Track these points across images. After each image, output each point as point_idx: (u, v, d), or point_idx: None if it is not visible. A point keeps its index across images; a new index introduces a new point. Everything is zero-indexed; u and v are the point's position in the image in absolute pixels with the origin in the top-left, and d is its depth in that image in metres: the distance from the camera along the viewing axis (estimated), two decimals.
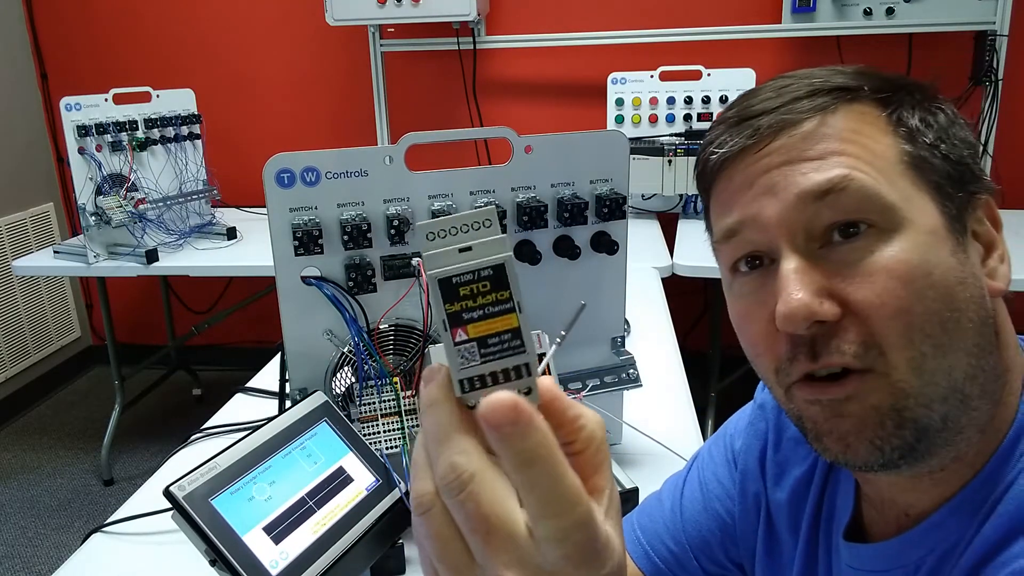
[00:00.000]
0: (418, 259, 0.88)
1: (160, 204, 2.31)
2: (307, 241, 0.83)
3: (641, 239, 2.24)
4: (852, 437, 0.48)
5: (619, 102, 2.51)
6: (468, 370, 0.34)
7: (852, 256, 0.48)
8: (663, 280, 1.88)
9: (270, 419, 0.79)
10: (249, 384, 1.31)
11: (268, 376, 1.34)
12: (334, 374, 0.89)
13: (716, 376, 2.45)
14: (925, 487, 0.52)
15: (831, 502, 0.63)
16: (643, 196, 2.47)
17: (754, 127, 0.51)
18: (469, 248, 0.33)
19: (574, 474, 0.31)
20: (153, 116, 2.32)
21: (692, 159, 2.31)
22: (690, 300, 2.83)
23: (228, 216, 2.56)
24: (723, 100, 2.44)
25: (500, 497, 0.31)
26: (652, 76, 2.48)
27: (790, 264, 0.49)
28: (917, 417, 0.47)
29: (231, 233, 2.43)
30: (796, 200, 0.49)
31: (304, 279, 0.86)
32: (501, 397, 0.30)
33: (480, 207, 0.33)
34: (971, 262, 0.49)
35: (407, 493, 0.82)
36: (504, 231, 0.83)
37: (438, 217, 0.33)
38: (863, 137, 0.49)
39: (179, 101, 2.41)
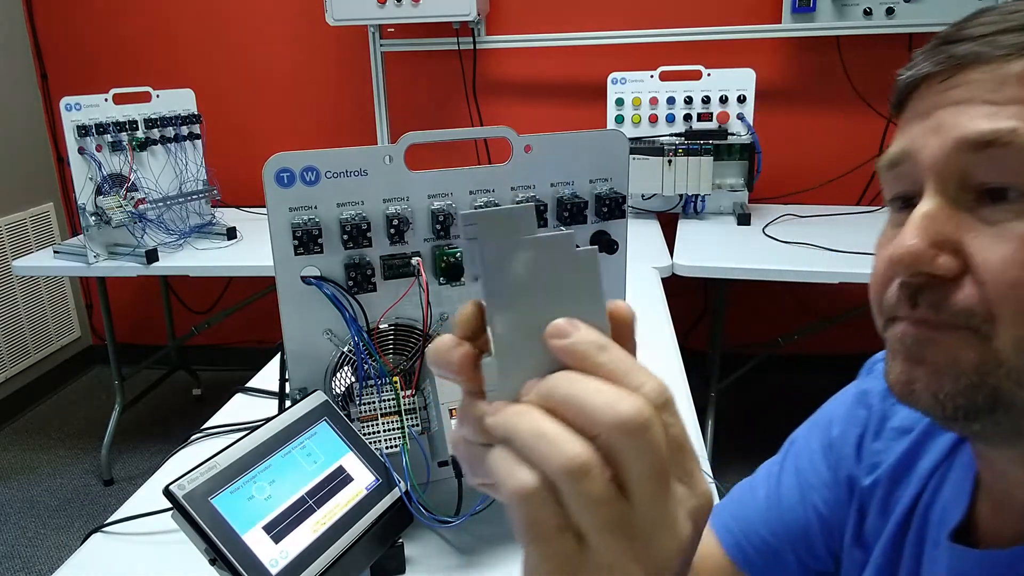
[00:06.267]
0: (418, 258, 0.88)
1: (160, 204, 2.31)
2: (307, 241, 0.83)
3: (641, 239, 2.24)
4: (919, 384, 0.45)
5: (619, 102, 2.51)
6: None
7: (996, 217, 0.43)
8: (663, 280, 1.88)
9: (270, 419, 0.79)
10: (249, 384, 1.31)
11: (268, 376, 1.34)
12: (334, 374, 0.89)
13: (716, 376, 2.45)
14: None
15: (933, 493, 0.58)
16: (643, 196, 2.47)
17: (948, 54, 0.46)
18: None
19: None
20: (153, 116, 2.32)
21: (692, 159, 2.32)
22: (690, 300, 2.83)
23: (228, 216, 2.56)
24: (723, 100, 2.44)
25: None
26: (652, 76, 2.48)
27: (924, 207, 0.45)
28: (999, 386, 0.43)
29: (231, 233, 2.43)
30: (955, 144, 0.44)
31: (304, 279, 0.86)
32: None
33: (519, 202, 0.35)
34: None
35: (407, 493, 0.82)
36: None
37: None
38: None
39: (179, 101, 2.41)
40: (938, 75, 0.47)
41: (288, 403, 0.86)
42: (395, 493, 0.82)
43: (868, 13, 2.39)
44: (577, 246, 0.34)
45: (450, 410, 0.85)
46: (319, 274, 0.86)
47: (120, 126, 2.21)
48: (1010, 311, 0.42)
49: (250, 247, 2.37)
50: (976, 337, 0.43)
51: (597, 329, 0.34)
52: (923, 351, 0.45)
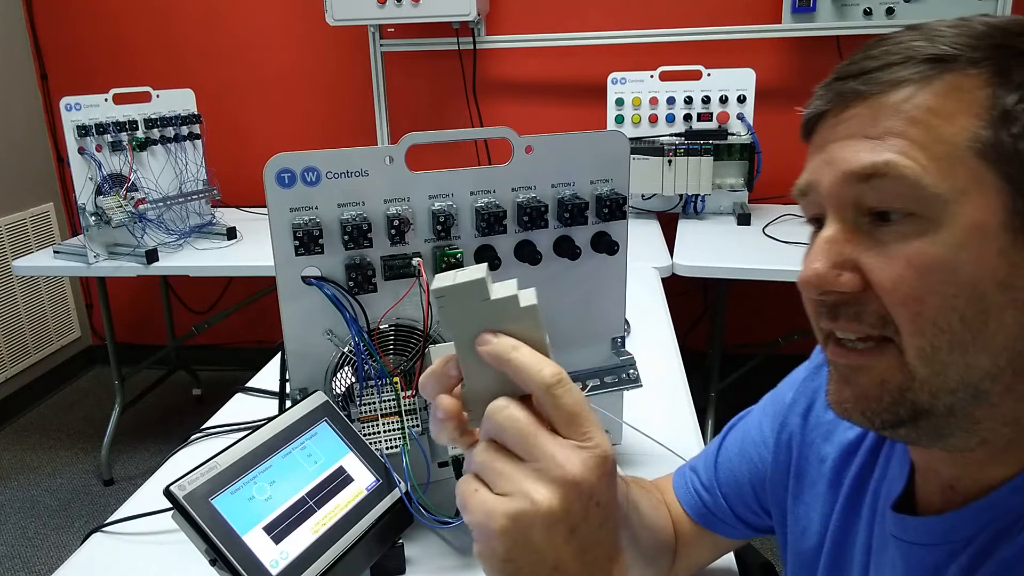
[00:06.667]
0: (419, 259, 0.88)
1: (160, 204, 2.31)
2: (307, 241, 0.83)
3: (641, 239, 2.25)
4: (849, 404, 0.52)
5: (619, 102, 2.51)
6: None
7: (887, 237, 0.48)
8: (663, 280, 1.88)
9: (270, 419, 0.79)
10: (249, 384, 1.31)
11: (268, 376, 1.34)
12: (334, 374, 0.89)
13: (716, 376, 2.45)
14: (976, 464, 0.52)
15: (883, 469, 0.63)
16: (643, 196, 2.47)
17: (837, 91, 0.51)
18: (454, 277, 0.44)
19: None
20: (153, 116, 2.32)
21: (692, 159, 2.32)
22: (690, 300, 2.83)
23: (228, 216, 2.56)
24: (723, 100, 2.44)
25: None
26: (652, 76, 2.48)
27: (825, 233, 0.50)
28: (917, 400, 0.48)
29: (231, 233, 2.43)
30: (844, 176, 0.49)
31: (304, 279, 0.86)
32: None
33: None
34: None
35: (407, 493, 0.82)
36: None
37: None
38: (936, 118, 0.46)
39: (179, 101, 2.41)
40: (830, 112, 0.52)
41: (288, 403, 0.86)
42: (395, 494, 0.82)
43: (868, 13, 2.39)
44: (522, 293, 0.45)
45: None
46: (320, 274, 0.86)
47: (120, 126, 2.21)
48: (907, 323, 0.47)
49: (250, 247, 2.37)
50: (894, 354, 0.48)
51: (540, 350, 0.44)
52: (854, 376, 0.51)
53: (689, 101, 2.46)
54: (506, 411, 0.43)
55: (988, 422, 0.49)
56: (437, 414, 0.46)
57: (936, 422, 0.49)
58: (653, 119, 2.50)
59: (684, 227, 2.34)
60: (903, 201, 0.47)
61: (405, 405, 0.88)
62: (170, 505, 0.67)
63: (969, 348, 0.46)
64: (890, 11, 2.38)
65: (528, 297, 0.44)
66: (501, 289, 0.45)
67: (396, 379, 0.88)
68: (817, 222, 0.53)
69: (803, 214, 0.56)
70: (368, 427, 0.87)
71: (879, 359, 0.49)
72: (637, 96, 2.49)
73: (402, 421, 0.87)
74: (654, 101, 2.49)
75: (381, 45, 2.76)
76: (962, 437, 0.50)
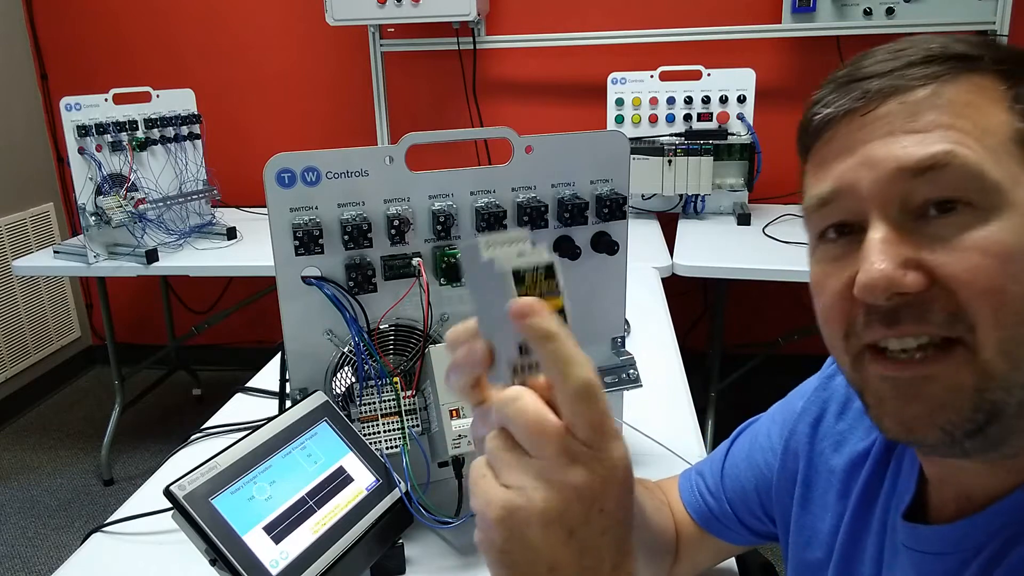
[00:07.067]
0: (419, 259, 0.88)
1: (160, 204, 2.31)
2: (307, 241, 0.83)
3: (641, 239, 2.24)
4: (921, 421, 0.48)
5: (619, 102, 2.51)
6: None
7: (946, 231, 0.46)
8: (663, 280, 1.88)
9: (270, 419, 0.79)
10: (249, 384, 1.31)
11: (268, 376, 1.34)
12: (334, 374, 0.89)
13: (716, 376, 2.45)
14: (996, 472, 0.51)
15: (893, 479, 0.62)
16: (643, 196, 2.47)
17: (863, 89, 0.49)
18: (523, 255, 0.44)
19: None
20: (153, 116, 2.32)
21: (692, 159, 2.31)
22: (690, 300, 2.83)
23: (228, 216, 2.56)
24: (723, 100, 2.44)
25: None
26: (652, 76, 2.48)
27: (877, 233, 0.47)
28: (996, 400, 0.46)
29: (231, 233, 2.43)
30: (894, 174, 0.47)
31: (304, 279, 0.86)
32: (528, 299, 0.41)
33: (517, 231, 0.46)
34: None
35: (407, 493, 0.82)
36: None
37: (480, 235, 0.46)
38: (975, 111, 0.47)
39: (179, 101, 2.41)
40: (858, 111, 0.50)
41: (288, 403, 0.86)
42: (395, 494, 0.82)
43: (868, 13, 2.39)
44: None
45: (450, 411, 0.85)
46: (320, 274, 0.86)
47: (120, 126, 2.21)
48: (986, 314, 0.45)
49: (250, 247, 2.37)
50: (966, 354, 0.46)
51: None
52: (919, 388, 0.47)
53: (689, 101, 2.46)
54: (517, 403, 0.41)
55: None
56: (457, 358, 0.44)
57: (1004, 425, 0.46)
58: (653, 119, 2.50)
59: (684, 227, 2.34)
60: (962, 191, 0.46)
61: (405, 405, 0.88)
62: (170, 505, 0.67)
63: None
64: (890, 11, 2.37)
65: (505, 262, 0.43)
66: (505, 252, 0.44)
67: (396, 379, 0.88)
68: (835, 230, 0.51)
69: (814, 225, 0.53)
70: (368, 427, 0.87)
71: (946, 364, 0.46)
72: (637, 96, 2.49)
73: (402, 421, 0.87)
74: (654, 101, 2.49)
75: (381, 45, 2.76)
76: (1017, 441, 0.48)
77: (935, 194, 0.46)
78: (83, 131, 2.13)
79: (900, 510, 0.59)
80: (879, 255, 0.46)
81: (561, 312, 0.43)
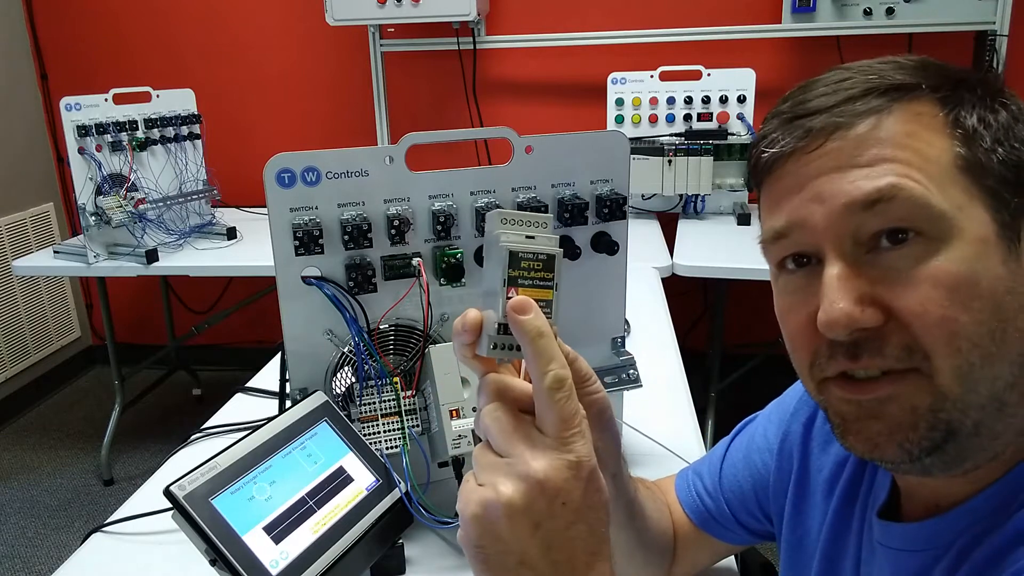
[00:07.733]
0: (419, 259, 0.88)
1: (160, 204, 2.31)
2: (307, 241, 0.83)
3: (641, 239, 2.24)
4: (882, 438, 0.49)
5: (619, 102, 2.51)
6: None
7: (898, 263, 0.47)
8: (663, 280, 1.88)
9: (270, 419, 0.79)
10: (249, 384, 1.31)
11: (268, 376, 1.34)
12: (334, 374, 0.89)
13: (716, 376, 2.45)
14: (959, 483, 0.52)
15: (871, 478, 0.64)
16: (643, 196, 2.47)
17: (805, 128, 0.51)
18: (533, 237, 0.46)
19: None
20: (153, 116, 2.32)
21: (692, 159, 2.31)
22: (690, 300, 2.83)
23: (228, 216, 2.56)
24: (723, 100, 2.44)
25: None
26: (652, 76, 2.48)
27: (833, 270, 0.49)
28: (951, 419, 0.47)
29: (231, 233, 2.43)
30: (844, 208, 0.48)
31: (304, 279, 0.86)
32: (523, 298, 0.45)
33: (541, 212, 0.52)
34: (1022, 270, 0.48)
35: (407, 493, 0.82)
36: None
37: (503, 210, 0.48)
38: (917, 141, 0.48)
39: (179, 101, 2.41)
40: (803, 149, 0.51)
41: (288, 403, 0.86)
42: (395, 494, 0.82)
43: (868, 13, 2.39)
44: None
45: (450, 411, 0.85)
46: (320, 274, 0.86)
47: (120, 126, 2.21)
48: (940, 344, 0.46)
49: (250, 247, 2.37)
50: (920, 379, 0.47)
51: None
52: (880, 408, 0.49)
53: (689, 101, 2.46)
54: (494, 413, 0.46)
55: (1006, 435, 0.49)
56: (456, 323, 0.48)
57: (961, 444, 0.48)
58: (653, 119, 2.50)
59: (684, 227, 2.34)
60: (910, 221, 0.47)
61: (405, 405, 0.88)
62: (170, 505, 0.67)
63: (995, 360, 0.47)
64: (890, 11, 2.37)
65: (508, 241, 0.46)
66: (516, 231, 0.47)
67: (396, 379, 0.88)
68: (793, 260, 0.53)
69: (772, 256, 0.55)
70: (368, 427, 0.87)
71: (904, 385, 0.48)
72: (637, 96, 2.49)
73: (402, 421, 0.87)
74: (654, 101, 2.49)
75: (381, 45, 2.76)
76: (978, 457, 0.50)
77: (885, 225, 0.48)
78: (83, 131, 2.13)
79: (876, 507, 0.60)
80: (838, 292, 0.48)
81: (547, 305, 0.46)
